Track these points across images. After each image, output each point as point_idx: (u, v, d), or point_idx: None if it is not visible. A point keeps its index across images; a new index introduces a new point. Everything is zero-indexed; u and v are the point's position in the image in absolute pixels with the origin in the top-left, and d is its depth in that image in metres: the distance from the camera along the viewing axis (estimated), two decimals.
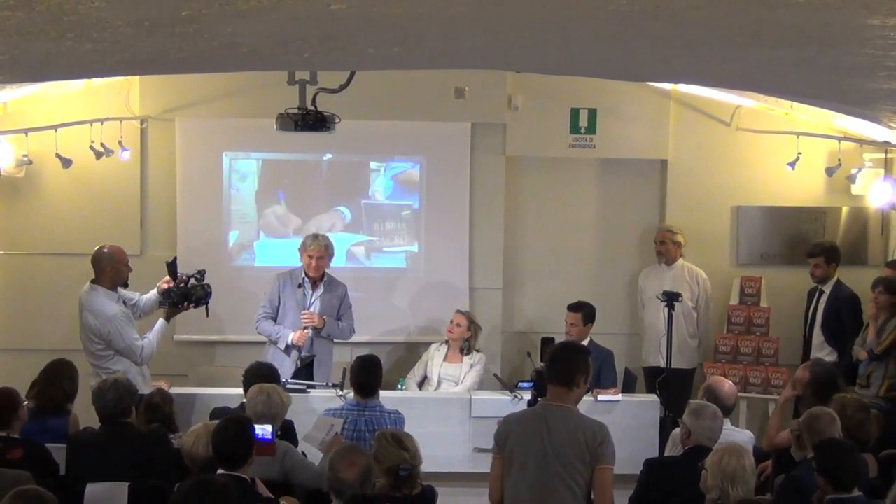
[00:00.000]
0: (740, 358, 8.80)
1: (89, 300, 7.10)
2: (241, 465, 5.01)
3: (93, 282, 7.15)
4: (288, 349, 7.91)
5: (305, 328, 7.90)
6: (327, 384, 7.64)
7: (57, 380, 6.30)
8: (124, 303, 7.31)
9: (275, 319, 8.03)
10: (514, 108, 9.05)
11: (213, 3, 3.27)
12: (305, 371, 7.90)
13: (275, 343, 7.98)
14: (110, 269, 7.18)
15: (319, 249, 7.95)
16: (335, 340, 8.18)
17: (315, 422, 6.12)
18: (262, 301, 8.12)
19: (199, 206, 9.06)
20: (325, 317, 7.96)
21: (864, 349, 7.74)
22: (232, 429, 5.11)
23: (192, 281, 7.31)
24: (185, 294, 7.27)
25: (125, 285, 7.33)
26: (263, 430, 5.34)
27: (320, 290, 8.05)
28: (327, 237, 8.20)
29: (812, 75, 5.40)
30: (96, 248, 7.31)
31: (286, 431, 6.05)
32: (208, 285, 7.36)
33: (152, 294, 7.45)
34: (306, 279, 8.01)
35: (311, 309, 7.98)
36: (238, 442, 5.05)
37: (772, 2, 3.29)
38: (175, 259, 7.42)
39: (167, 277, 7.36)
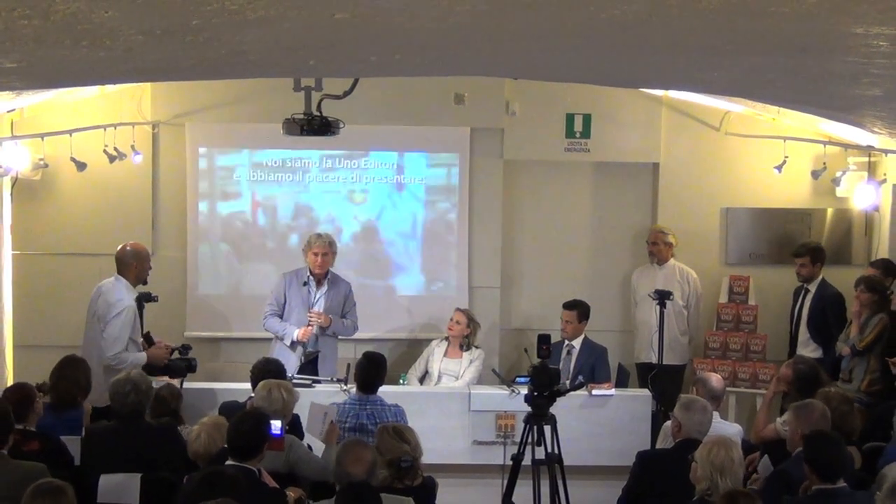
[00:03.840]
0: (729, 354, 8.80)
1: (111, 287, 7.20)
2: (252, 457, 5.01)
3: (118, 276, 7.25)
4: (293, 345, 7.92)
5: (310, 325, 7.90)
6: (332, 379, 7.65)
7: (71, 376, 6.28)
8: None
9: (281, 317, 8.04)
10: (512, 114, 9.05)
11: (222, 13, 3.26)
12: (310, 366, 7.91)
13: (281, 339, 7.98)
14: (136, 265, 7.28)
15: (324, 246, 7.95)
16: (339, 337, 8.18)
17: (309, 411, 6.10)
18: (269, 299, 8.12)
19: (208, 208, 9.06)
20: (330, 315, 7.96)
21: (846, 345, 7.75)
22: (249, 422, 5.12)
23: (176, 354, 7.16)
24: (165, 367, 7.03)
25: (145, 282, 7.38)
26: (273, 424, 5.34)
27: (325, 288, 8.04)
28: (331, 235, 8.21)
29: (798, 82, 5.40)
30: (121, 245, 7.39)
31: (292, 425, 6.05)
32: (194, 360, 7.19)
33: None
34: (311, 278, 8.01)
35: (316, 307, 7.98)
36: (253, 436, 5.05)
37: (759, 11, 3.28)
38: (148, 333, 7.34)
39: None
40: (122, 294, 7.17)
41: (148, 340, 7.29)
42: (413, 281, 9.25)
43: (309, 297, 8.00)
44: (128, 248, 7.37)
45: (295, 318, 7.98)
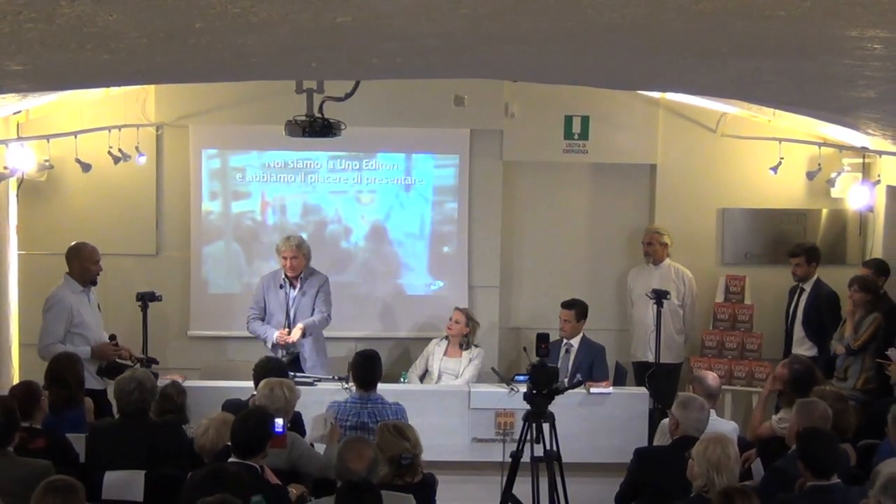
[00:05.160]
0: (725, 352, 8.80)
1: (57, 287, 7.30)
2: (254, 454, 5.01)
3: (66, 274, 7.35)
4: (274, 347, 7.93)
5: (286, 329, 7.93)
6: (333, 377, 7.66)
7: (61, 376, 6.26)
8: (98, 307, 7.44)
9: (263, 319, 8.08)
10: (511, 115, 9.04)
11: (224, 16, 3.26)
12: (293, 366, 7.89)
13: (264, 342, 8.02)
14: (77, 265, 7.35)
15: (291, 249, 7.98)
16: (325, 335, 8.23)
17: (311, 422, 6.12)
18: (251, 303, 8.19)
19: (212, 208, 9.06)
20: (300, 324, 7.94)
21: (841, 344, 7.75)
22: (252, 420, 5.12)
23: (138, 365, 7.00)
24: (119, 372, 6.56)
25: (94, 283, 7.42)
26: (275, 422, 5.34)
27: (299, 289, 8.06)
28: (300, 237, 8.24)
29: (794, 84, 5.40)
30: (72, 243, 7.48)
31: (294, 423, 6.05)
32: (156, 374, 6.91)
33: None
34: (286, 279, 8.03)
35: (293, 308, 8.02)
36: (256, 433, 5.05)
37: (755, 14, 3.28)
38: (113, 336, 7.38)
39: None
40: (59, 290, 7.27)
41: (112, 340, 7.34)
42: (414, 280, 9.24)
43: (286, 298, 8.03)
44: (76, 245, 7.46)
45: (275, 321, 8.04)
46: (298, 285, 8.07)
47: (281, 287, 8.05)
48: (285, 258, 7.98)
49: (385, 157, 9.07)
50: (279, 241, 8.18)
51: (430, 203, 9.16)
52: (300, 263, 8.01)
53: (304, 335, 7.94)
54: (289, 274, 8.02)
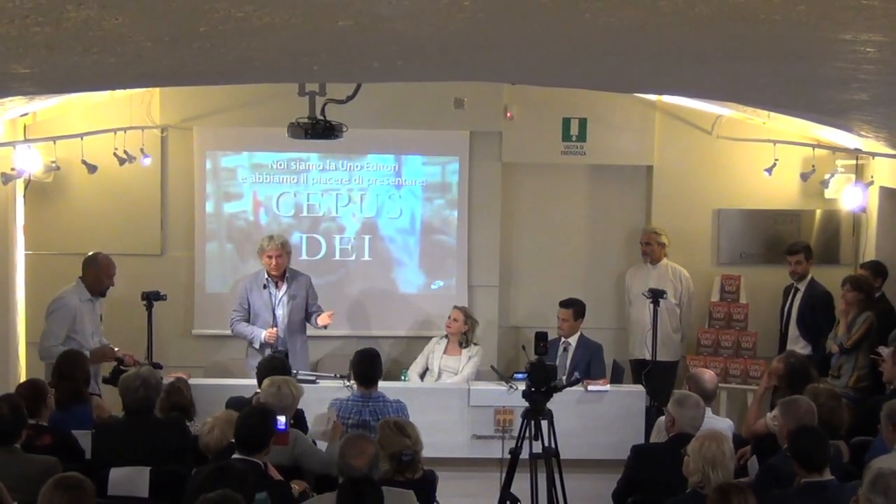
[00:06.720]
0: (721, 351, 8.80)
1: (64, 290, 7.35)
2: (258, 451, 5.02)
3: (79, 278, 7.40)
4: (262, 347, 7.92)
5: (275, 326, 7.92)
6: (335, 375, 7.66)
7: (68, 372, 6.26)
8: (101, 317, 7.47)
9: (247, 321, 8.06)
10: (510, 118, 9.04)
11: (228, 20, 3.26)
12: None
13: (250, 343, 8.01)
14: (92, 274, 7.40)
15: (276, 248, 7.97)
16: (308, 334, 8.25)
17: (313, 419, 6.12)
18: (234, 305, 8.14)
19: (216, 209, 9.05)
20: (329, 312, 8.01)
21: (835, 343, 7.75)
22: (256, 417, 5.13)
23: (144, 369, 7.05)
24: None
25: (103, 294, 7.46)
26: (278, 419, 5.34)
27: (285, 287, 8.06)
28: (282, 236, 8.22)
29: (788, 87, 5.40)
30: (91, 252, 7.54)
31: (297, 420, 6.05)
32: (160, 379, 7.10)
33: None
34: (269, 279, 8.02)
35: (280, 306, 8.01)
36: (260, 430, 5.05)
37: (750, 18, 3.28)
38: (115, 348, 7.40)
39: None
40: (66, 294, 7.30)
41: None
42: (414, 279, 9.24)
43: (271, 298, 8.02)
44: (95, 256, 7.50)
45: (261, 321, 8.01)
46: (285, 286, 8.06)
47: (265, 287, 8.03)
48: (270, 257, 7.96)
49: (379, 156, 9.04)
50: (262, 240, 8.15)
51: (420, 200, 9.14)
52: (283, 262, 8.01)
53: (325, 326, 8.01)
54: (273, 273, 7.99)
